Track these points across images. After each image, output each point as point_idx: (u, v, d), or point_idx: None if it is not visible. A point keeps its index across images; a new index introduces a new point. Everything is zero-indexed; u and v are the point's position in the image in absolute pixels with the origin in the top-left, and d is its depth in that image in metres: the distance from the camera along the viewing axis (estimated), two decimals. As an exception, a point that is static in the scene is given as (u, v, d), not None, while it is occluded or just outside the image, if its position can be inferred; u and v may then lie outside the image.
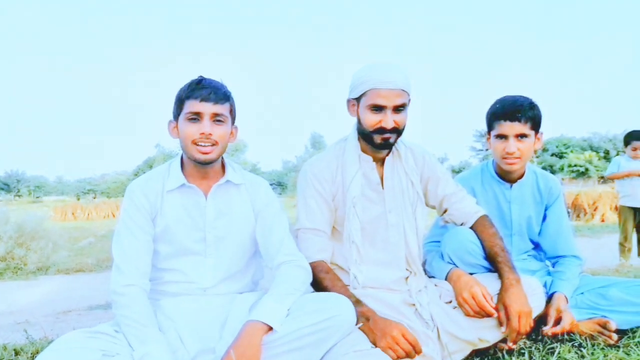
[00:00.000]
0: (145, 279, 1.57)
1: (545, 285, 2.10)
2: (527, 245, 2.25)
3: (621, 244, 5.32)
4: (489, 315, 1.71)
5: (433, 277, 1.98)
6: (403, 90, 1.74)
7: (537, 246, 2.28)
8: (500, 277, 1.78)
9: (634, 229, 5.28)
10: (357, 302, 1.64)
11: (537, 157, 56.79)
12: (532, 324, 1.73)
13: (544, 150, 57.85)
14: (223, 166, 1.75)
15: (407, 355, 1.54)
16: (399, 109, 1.74)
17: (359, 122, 1.82)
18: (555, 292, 2.00)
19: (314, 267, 1.75)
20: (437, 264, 1.97)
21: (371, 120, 1.75)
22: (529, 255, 2.26)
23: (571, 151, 55.06)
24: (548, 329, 1.88)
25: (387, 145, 1.79)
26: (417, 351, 1.56)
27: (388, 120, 1.73)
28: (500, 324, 1.72)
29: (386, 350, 1.54)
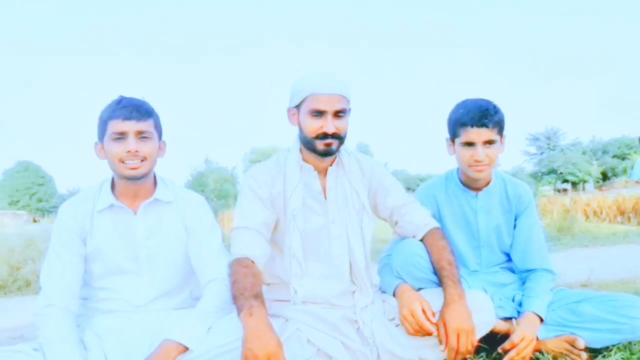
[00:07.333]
0: (70, 299, 1.58)
1: (513, 300, 1.97)
2: (498, 257, 2.11)
3: None
4: (428, 333, 1.62)
5: (385, 292, 1.90)
6: (342, 96, 1.72)
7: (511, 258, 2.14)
8: (443, 292, 1.68)
9: None
10: (249, 311, 1.46)
11: (597, 159, 54.00)
12: (474, 343, 1.61)
13: (604, 152, 54.89)
14: (156, 184, 1.76)
15: None
16: (339, 114, 1.72)
17: (301, 130, 1.79)
18: (524, 311, 1.86)
19: (234, 262, 1.65)
20: (387, 279, 1.89)
21: (312, 126, 1.72)
22: (501, 268, 2.12)
23: (635, 152, 51.77)
24: (506, 357, 1.74)
25: (330, 152, 1.75)
26: None
27: (329, 125, 1.70)
28: (440, 342, 1.62)
29: None
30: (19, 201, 49.15)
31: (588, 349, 1.77)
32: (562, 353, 1.79)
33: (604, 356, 1.77)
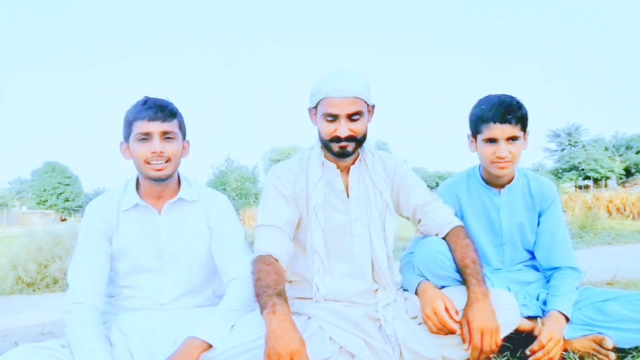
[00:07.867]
0: (97, 297, 1.61)
1: (537, 298, 1.95)
2: (521, 255, 2.08)
3: None
4: (451, 331, 1.61)
5: (407, 290, 1.89)
6: (357, 98, 1.69)
7: (535, 256, 2.10)
8: (467, 290, 1.66)
9: None
10: (272, 309, 1.45)
11: (620, 155, 52.78)
12: (499, 342, 1.59)
13: (628, 148, 53.58)
14: (180, 183, 1.77)
15: None
16: (353, 117, 1.70)
17: (318, 130, 1.80)
18: (549, 310, 1.83)
19: (257, 259, 1.66)
20: (409, 277, 1.88)
21: (326, 129, 1.72)
22: (525, 266, 2.10)
23: (660, 147, 50.52)
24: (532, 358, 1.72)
25: (346, 154, 1.74)
26: None
27: (342, 128, 1.69)
28: (464, 340, 1.61)
29: None
30: (46, 201, 50.46)
31: (616, 349, 1.74)
32: (589, 353, 1.76)
33: (633, 357, 1.74)
